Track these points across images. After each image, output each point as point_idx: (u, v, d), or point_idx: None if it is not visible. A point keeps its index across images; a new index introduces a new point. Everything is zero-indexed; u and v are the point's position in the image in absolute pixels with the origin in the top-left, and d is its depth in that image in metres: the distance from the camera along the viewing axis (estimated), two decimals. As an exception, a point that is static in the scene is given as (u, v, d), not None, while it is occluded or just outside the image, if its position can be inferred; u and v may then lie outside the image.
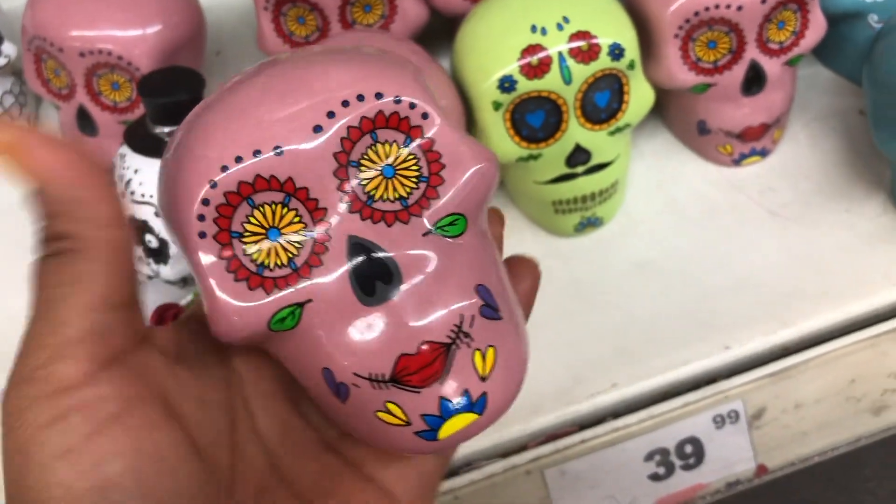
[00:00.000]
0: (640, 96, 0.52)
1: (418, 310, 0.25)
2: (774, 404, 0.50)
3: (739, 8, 0.50)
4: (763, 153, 0.57)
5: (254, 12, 0.59)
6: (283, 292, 0.24)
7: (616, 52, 0.49)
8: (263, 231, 0.25)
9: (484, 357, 0.25)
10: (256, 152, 0.24)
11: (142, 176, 0.49)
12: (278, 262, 0.25)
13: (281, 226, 0.25)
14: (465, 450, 0.49)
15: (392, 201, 0.26)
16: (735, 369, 0.51)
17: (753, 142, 0.56)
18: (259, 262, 0.25)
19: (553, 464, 0.49)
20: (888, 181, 0.55)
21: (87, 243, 0.22)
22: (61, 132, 0.59)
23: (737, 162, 0.57)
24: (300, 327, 0.25)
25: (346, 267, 0.25)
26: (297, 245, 0.25)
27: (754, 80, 0.53)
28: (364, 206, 0.25)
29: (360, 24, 0.57)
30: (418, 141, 0.26)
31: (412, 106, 0.25)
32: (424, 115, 0.26)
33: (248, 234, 0.24)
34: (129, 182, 0.50)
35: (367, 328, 0.25)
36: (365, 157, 0.25)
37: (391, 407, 0.25)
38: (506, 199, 0.58)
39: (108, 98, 0.55)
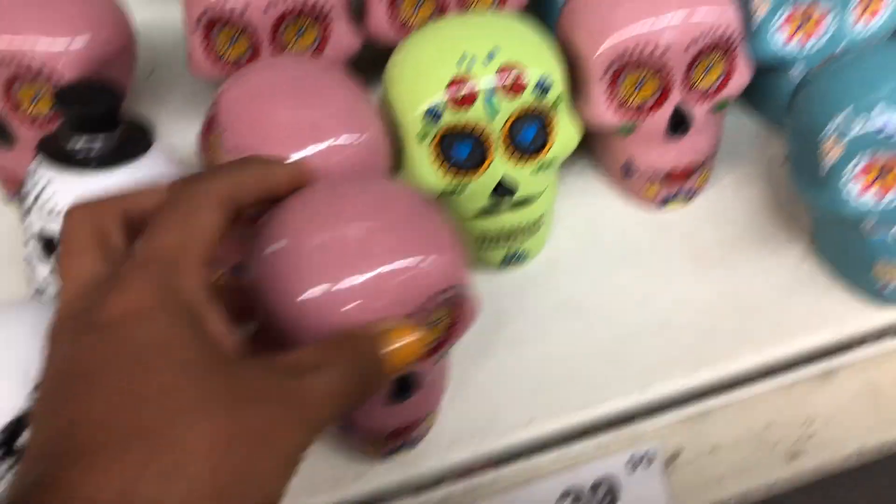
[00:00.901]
0: (565, 134, 0.52)
1: None
2: (691, 447, 0.50)
3: (665, 51, 0.51)
4: (688, 196, 0.58)
5: (182, 33, 0.58)
6: None
7: (543, 87, 0.49)
8: None
9: None
10: None
11: (53, 187, 0.48)
12: None
13: None
14: (377, 484, 0.48)
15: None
16: (652, 410, 0.51)
17: (678, 185, 0.57)
18: None
19: (467, 501, 0.48)
20: (809, 230, 0.56)
21: None
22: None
23: (662, 204, 0.58)
24: None
25: None
26: None
27: (680, 124, 0.54)
28: None
29: (292, 49, 0.56)
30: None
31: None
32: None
33: None
34: (39, 194, 0.48)
35: None
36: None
37: None
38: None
39: (27, 111, 0.54)
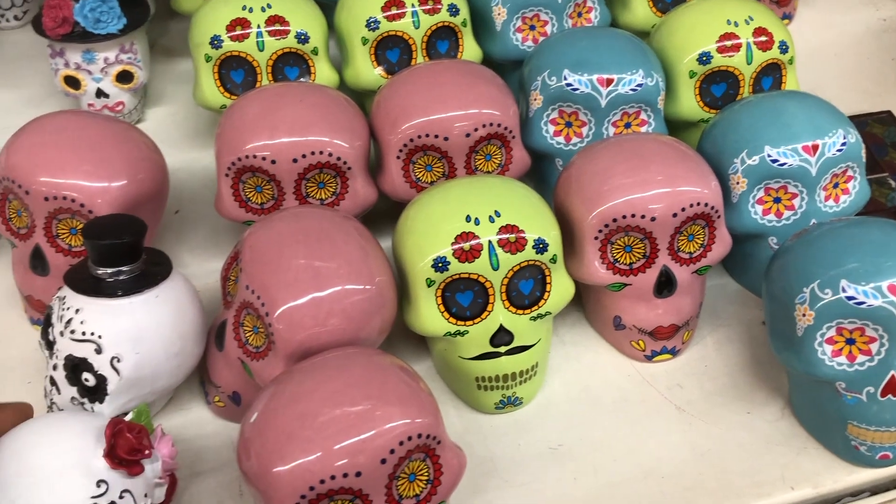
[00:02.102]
0: (561, 288, 0.56)
1: None
2: None
3: (653, 219, 0.56)
4: (673, 352, 0.62)
5: (214, 177, 0.64)
6: None
7: (540, 246, 0.54)
8: None
9: None
10: (345, 475, 0.42)
11: (83, 315, 0.51)
12: None
13: None
14: None
15: (411, 497, 0.46)
16: (637, 558, 0.52)
17: (664, 340, 0.60)
18: None
19: None
20: (786, 388, 0.59)
21: None
22: (12, 268, 0.61)
23: (649, 358, 0.61)
24: None
25: None
26: None
27: (665, 284, 0.59)
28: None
29: (313, 199, 0.61)
30: (432, 458, 0.46)
31: (437, 440, 0.46)
32: (439, 442, 0.46)
33: None
34: (69, 321, 0.51)
35: None
36: (402, 471, 0.45)
37: None
38: (431, 372, 0.60)
39: (64, 241, 0.58)
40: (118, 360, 0.51)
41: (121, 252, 0.52)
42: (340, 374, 0.46)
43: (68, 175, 0.57)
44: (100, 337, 0.50)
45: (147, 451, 0.45)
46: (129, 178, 0.58)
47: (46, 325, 0.54)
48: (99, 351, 0.51)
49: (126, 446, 0.44)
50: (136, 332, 0.51)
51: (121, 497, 0.44)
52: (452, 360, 0.57)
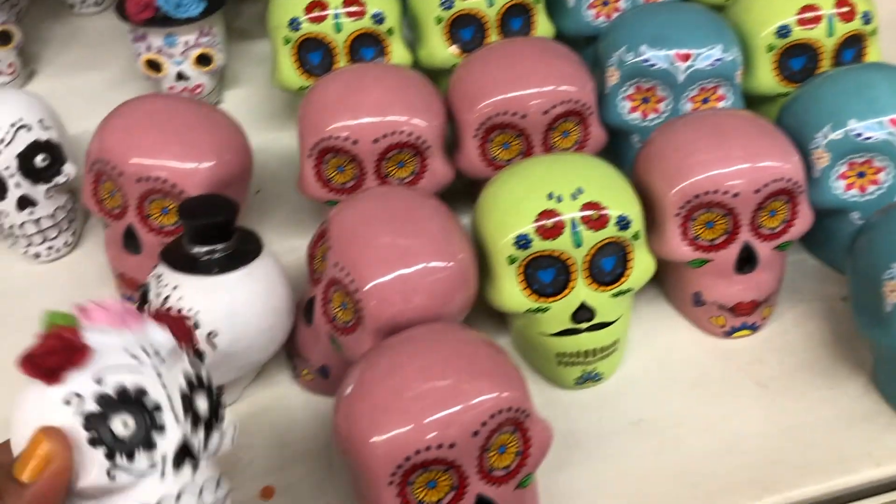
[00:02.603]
0: (642, 264, 0.56)
1: None
2: (756, 571, 0.52)
3: (736, 195, 0.56)
4: (753, 328, 0.61)
5: (295, 158, 0.65)
6: None
7: (623, 223, 0.54)
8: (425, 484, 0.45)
9: None
10: (439, 446, 0.44)
11: (180, 292, 0.53)
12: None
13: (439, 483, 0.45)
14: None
15: (501, 469, 0.47)
16: (720, 532, 0.53)
17: (744, 316, 0.60)
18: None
19: None
20: (870, 364, 0.59)
21: None
22: (105, 247, 0.64)
23: (728, 334, 0.61)
24: None
25: None
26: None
27: (747, 260, 0.58)
28: (487, 475, 0.46)
29: (393, 178, 0.62)
30: (520, 431, 0.47)
31: (525, 413, 0.47)
32: (528, 415, 0.47)
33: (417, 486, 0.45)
34: (167, 298, 0.53)
35: None
36: (492, 443, 0.46)
37: None
38: (509, 348, 0.61)
39: (156, 221, 0.60)
40: (214, 336, 0.52)
41: (215, 231, 0.53)
42: (432, 348, 0.47)
43: (159, 157, 0.59)
44: (197, 313, 0.52)
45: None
46: (217, 158, 0.60)
47: (142, 301, 0.56)
48: (196, 326, 0.52)
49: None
50: (231, 308, 0.53)
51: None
52: (533, 336, 0.57)
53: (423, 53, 0.73)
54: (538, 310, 0.56)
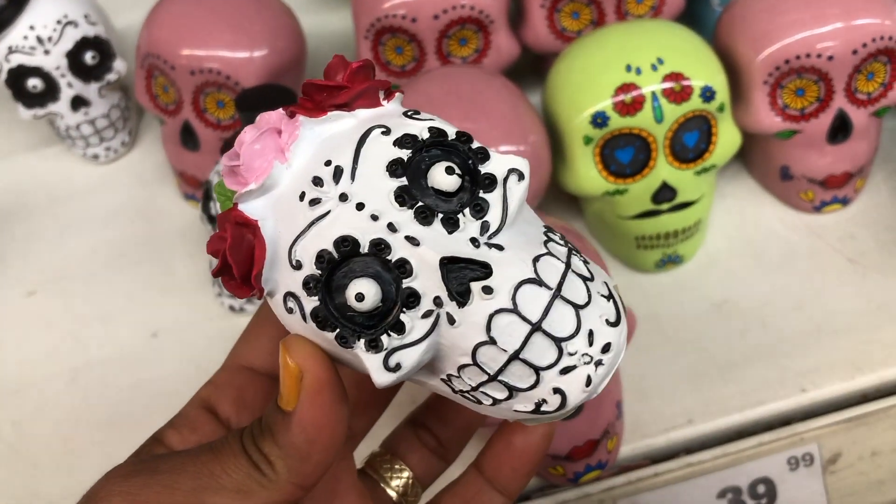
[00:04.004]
0: (727, 139, 0.53)
1: None
2: (850, 450, 0.50)
3: (830, 58, 0.51)
4: (844, 201, 0.58)
5: (349, 41, 0.62)
6: None
7: (707, 94, 0.51)
8: None
9: None
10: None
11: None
12: None
13: None
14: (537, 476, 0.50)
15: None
16: (811, 412, 0.51)
17: (835, 190, 0.57)
18: None
19: (625, 495, 0.50)
20: (971, 236, 0.55)
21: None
22: (163, 144, 0.62)
23: (818, 209, 0.58)
24: None
25: None
26: None
27: (840, 129, 0.54)
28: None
29: (455, 57, 0.59)
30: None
31: None
32: None
33: None
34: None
35: None
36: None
37: None
38: (585, 231, 0.59)
39: (212, 115, 0.58)
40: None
41: None
42: None
43: (211, 47, 0.56)
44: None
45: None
46: (270, 46, 0.57)
47: (206, 199, 0.55)
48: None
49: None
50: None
51: None
52: (610, 219, 0.55)
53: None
54: (616, 192, 0.53)
